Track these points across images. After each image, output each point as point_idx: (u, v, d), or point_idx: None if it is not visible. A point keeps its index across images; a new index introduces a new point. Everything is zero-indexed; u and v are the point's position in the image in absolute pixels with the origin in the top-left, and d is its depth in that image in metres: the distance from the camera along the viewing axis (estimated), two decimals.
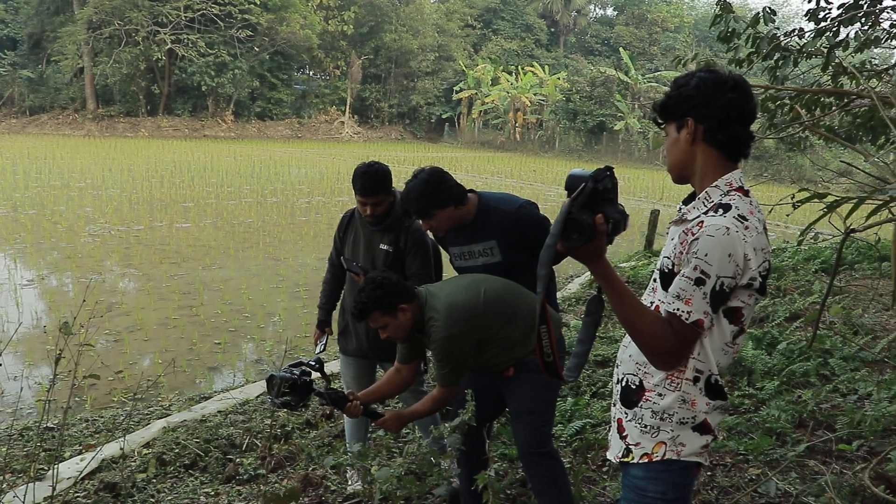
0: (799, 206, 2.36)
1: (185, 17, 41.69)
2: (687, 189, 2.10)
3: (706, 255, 1.83)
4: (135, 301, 9.04)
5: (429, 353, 3.39)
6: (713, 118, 1.94)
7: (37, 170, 22.15)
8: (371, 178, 3.67)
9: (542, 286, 1.86)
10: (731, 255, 1.83)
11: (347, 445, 3.94)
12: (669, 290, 1.91)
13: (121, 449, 4.07)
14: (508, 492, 3.87)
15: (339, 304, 4.23)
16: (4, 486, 3.77)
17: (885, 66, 5.43)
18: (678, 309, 1.86)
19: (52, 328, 7.64)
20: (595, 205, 1.84)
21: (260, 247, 12.90)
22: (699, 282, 1.84)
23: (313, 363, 3.17)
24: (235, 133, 45.52)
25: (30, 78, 43.65)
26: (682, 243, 1.92)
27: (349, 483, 4.04)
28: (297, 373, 3.09)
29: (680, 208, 2.08)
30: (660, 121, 2.08)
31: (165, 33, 41.23)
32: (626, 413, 2.10)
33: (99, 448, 4.40)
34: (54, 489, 3.07)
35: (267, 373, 6.68)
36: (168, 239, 13.10)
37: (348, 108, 51.43)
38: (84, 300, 3.57)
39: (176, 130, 43.83)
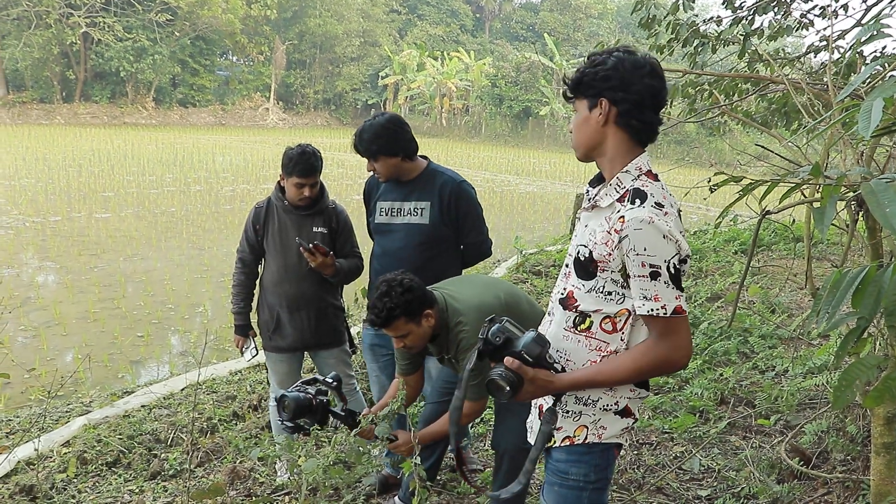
0: (716, 189, 2.41)
1: None
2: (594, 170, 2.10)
3: (645, 250, 1.83)
4: (52, 295, 8.72)
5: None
6: (629, 102, 1.92)
7: None
8: (310, 159, 3.64)
9: (454, 441, 2.12)
10: (665, 236, 1.83)
11: (274, 436, 3.88)
12: (634, 294, 1.89)
13: (35, 449, 3.91)
14: (438, 478, 3.88)
15: (254, 303, 4.07)
16: None
17: (797, 55, 5.59)
18: (652, 309, 1.85)
19: None
20: (500, 354, 1.97)
21: (183, 236, 12.60)
22: (654, 275, 1.84)
23: (330, 380, 2.95)
24: (157, 120, 44.22)
25: None
26: (606, 243, 1.91)
27: (278, 474, 3.99)
28: (312, 392, 2.87)
29: (588, 190, 2.07)
30: (570, 95, 2.04)
31: (79, 16, 39.64)
32: (548, 399, 2.10)
33: (12, 449, 4.23)
34: None
35: (194, 365, 6.57)
36: (87, 230, 12.67)
37: (273, 94, 50.55)
38: None
39: (94, 117, 42.30)
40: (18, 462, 4.18)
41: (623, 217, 1.87)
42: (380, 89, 52.99)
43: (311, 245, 3.55)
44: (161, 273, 9.98)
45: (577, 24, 57.48)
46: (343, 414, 2.90)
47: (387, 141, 3.38)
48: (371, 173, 3.63)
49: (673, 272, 1.84)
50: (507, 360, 1.92)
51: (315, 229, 3.77)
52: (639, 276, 1.85)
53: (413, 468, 2.42)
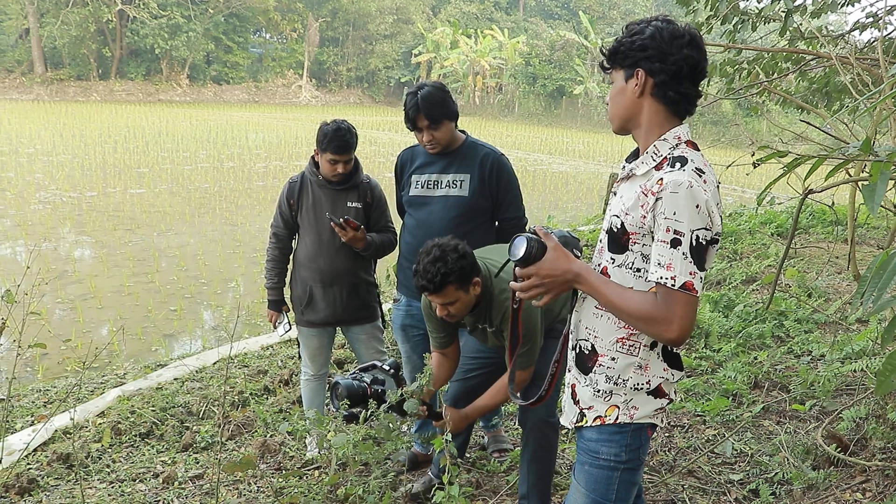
0: (759, 164, 2.34)
1: None
2: (630, 147, 2.05)
3: (675, 214, 1.76)
4: (88, 269, 8.85)
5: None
6: (666, 73, 1.86)
7: None
8: (345, 136, 3.62)
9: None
10: (698, 206, 1.76)
11: (305, 411, 3.90)
12: (651, 259, 1.83)
13: (71, 419, 3.97)
14: (468, 455, 3.87)
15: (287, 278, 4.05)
16: None
17: (840, 32, 5.44)
18: (662, 277, 1.78)
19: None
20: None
21: (216, 212, 12.71)
22: (675, 243, 1.77)
23: (387, 368, 2.90)
24: (191, 97, 44.59)
25: None
26: (642, 206, 1.85)
27: (308, 449, 4.01)
28: (368, 380, 2.81)
29: (624, 166, 2.02)
30: (607, 66, 1.99)
31: None
32: (579, 379, 2.08)
33: (49, 418, 4.30)
34: (0, 461, 2.98)
35: (226, 339, 6.64)
36: (122, 205, 12.83)
37: (306, 71, 50.65)
38: (28, 267, 3.44)
39: (129, 95, 42.77)
40: (56, 431, 4.25)
41: (662, 179, 1.81)
42: (413, 67, 52.82)
43: (341, 220, 3.53)
44: (194, 248, 10.08)
45: (612, 1, 56.65)
46: (397, 406, 2.83)
47: (448, 104, 3.35)
48: (405, 148, 3.60)
49: (695, 244, 1.76)
50: (538, 227, 1.95)
51: (349, 204, 3.76)
52: (660, 241, 1.79)
53: (444, 445, 2.40)
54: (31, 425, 4.41)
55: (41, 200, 12.73)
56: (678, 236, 1.76)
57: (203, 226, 11.57)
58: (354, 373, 2.88)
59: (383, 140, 25.46)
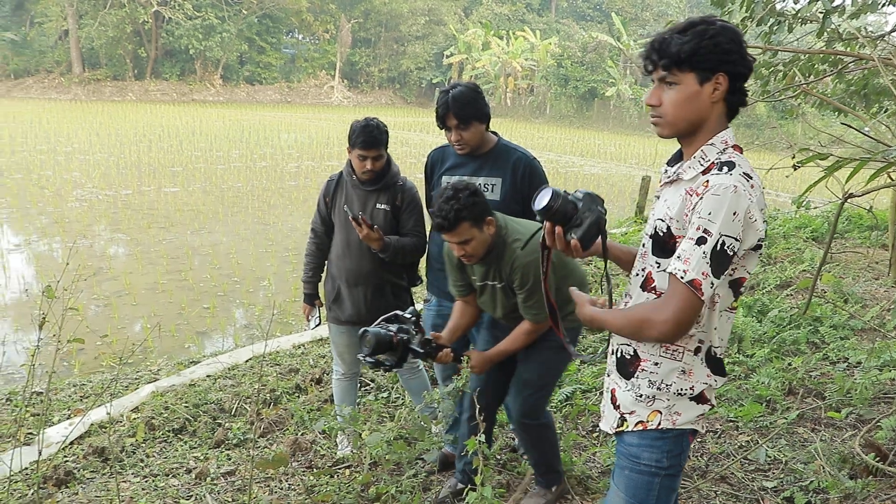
0: (800, 166, 2.32)
1: None
2: (669, 151, 2.03)
3: (709, 214, 1.74)
4: (123, 266, 8.97)
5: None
6: (743, 76, 1.85)
7: (22, 134, 21.82)
8: (373, 132, 3.62)
9: None
10: (735, 213, 1.73)
11: (337, 410, 3.91)
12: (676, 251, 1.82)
13: (107, 413, 4.03)
14: (499, 457, 3.86)
15: (323, 273, 4.08)
16: None
17: (880, 33, 5.35)
18: (676, 269, 1.77)
19: (38, 293, 7.57)
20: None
21: (249, 211, 12.81)
22: (700, 241, 1.75)
23: (409, 316, 3.00)
24: (224, 97, 45.04)
25: (13, 40, 42.71)
26: (686, 206, 1.83)
27: (339, 448, 4.03)
28: (394, 329, 2.92)
29: (666, 170, 1.99)
30: (670, 68, 1.85)
31: None
32: (620, 383, 2.06)
33: (86, 412, 4.37)
34: (40, 453, 3.03)
35: (258, 337, 6.70)
36: (156, 203, 12.98)
37: (338, 72, 50.93)
38: (67, 263, 3.49)
39: (164, 94, 43.31)
40: (92, 425, 4.32)
41: (708, 181, 1.80)
42: (444, 68, 52.87)
43: (359, 215, 3.53)
44: (227, 247, 10.17)
45: (645, 2, 56.18)
46: (422, 351, 2.96)
47: (479, 106, 3.33)
48: (436, 147, 3.60)
49: (718, 248, 1.74)
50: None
51: (378, 206, 3.75)
52: (688, 238, 1.78)
53: (477, 446, 2.40)
54: (67, 419, 4.49)
55: (78, 198, 12.93)
56: (706, 235, 1.75)
57: (236, 225, 11.67)
58: (380, 323, 2.98)
59: (415, 141, 25.51)
